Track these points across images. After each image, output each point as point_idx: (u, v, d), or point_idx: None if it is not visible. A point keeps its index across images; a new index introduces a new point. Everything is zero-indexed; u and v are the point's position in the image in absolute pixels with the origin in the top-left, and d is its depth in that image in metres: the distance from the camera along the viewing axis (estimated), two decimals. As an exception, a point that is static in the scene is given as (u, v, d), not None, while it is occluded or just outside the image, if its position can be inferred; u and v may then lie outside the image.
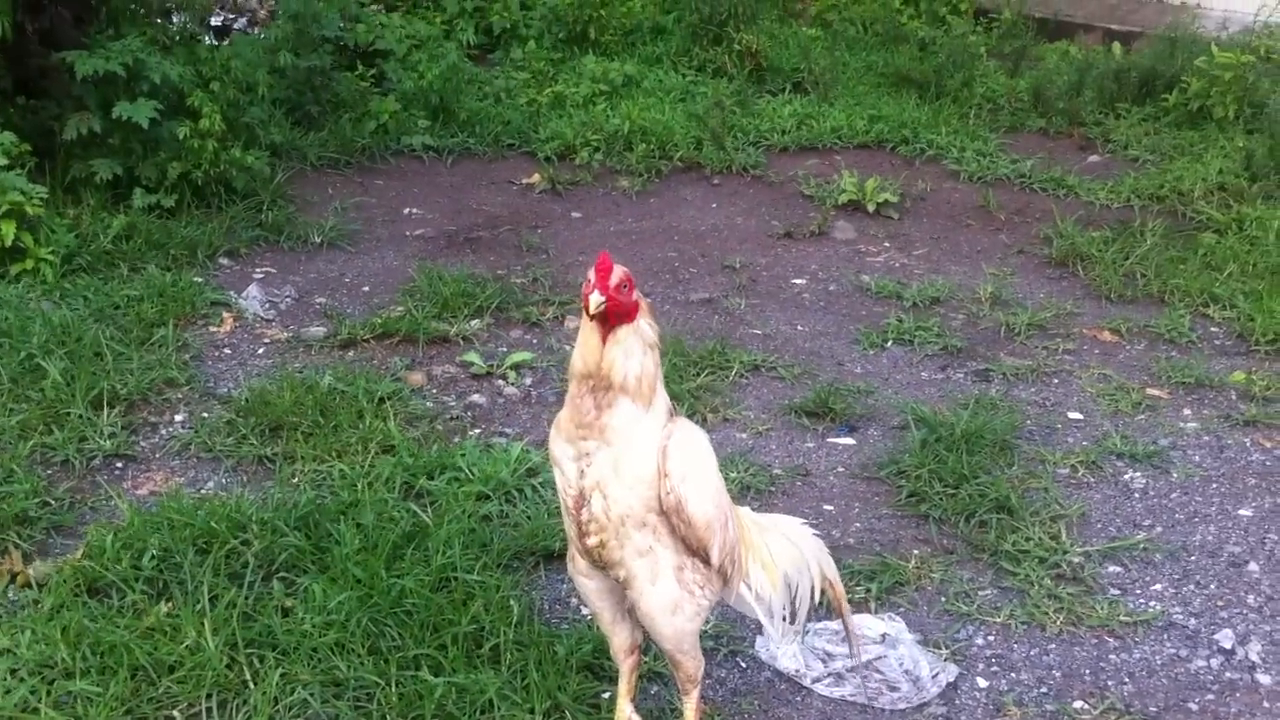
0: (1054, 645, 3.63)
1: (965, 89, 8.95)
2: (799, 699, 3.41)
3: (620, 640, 2.98)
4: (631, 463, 2.66)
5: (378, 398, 4.79)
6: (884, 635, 3.55)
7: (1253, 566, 4.03)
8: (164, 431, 4.61)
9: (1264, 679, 3.52)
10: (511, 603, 3.54)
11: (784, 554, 3.02)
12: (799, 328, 5.79)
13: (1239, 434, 4.86)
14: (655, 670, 3.38)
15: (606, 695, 3.27)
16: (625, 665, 3.01)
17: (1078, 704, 3.41)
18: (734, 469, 4.39)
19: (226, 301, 5.67)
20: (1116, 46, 9.77)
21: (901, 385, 5.24)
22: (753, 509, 3.17)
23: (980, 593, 3.86)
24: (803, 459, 4.63)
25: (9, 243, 5.48)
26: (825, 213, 7.09)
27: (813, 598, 3.07)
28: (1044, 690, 3.46)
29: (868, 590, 3.82)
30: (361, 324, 5.49)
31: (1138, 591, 3.90)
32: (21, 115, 6.34)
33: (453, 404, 4.94)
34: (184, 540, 3.73)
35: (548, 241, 6.70)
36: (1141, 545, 4.11)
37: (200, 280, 5.80)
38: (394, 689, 3.22)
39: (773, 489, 4.40)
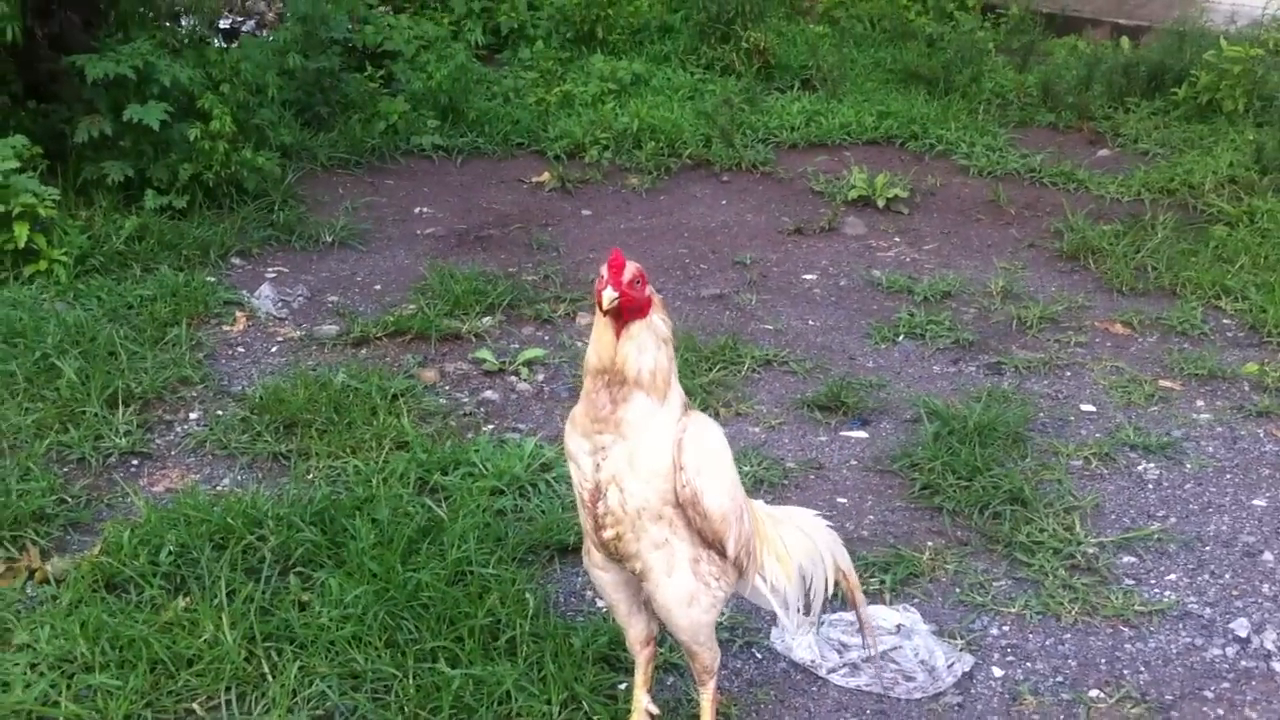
0: (1069, 635, 3.64)
1: (974, 84, 8.94)
2: (815, 689, 3.42)
3: (636, 632, 2.99)
4: (647, 456, 2.67)
5: (391, 394, 4.81)
6: (899, 626, 3.56)
7: (1267, 556, 4.03)
8: (179, 429, 4.63)
9: (1279, 667, 3.52)
10: (527, 596, 3.55)
11: (798, 546, 3.03)
12: (810, 322, 5.80)
13: (1252, 425, 4.85)
14: (671, 661, 3.39)
15: (623, 686, 3.28)
16: (641, 657, 3.02)
17: (1093, 693, 3.41)
18: (747, 463, 4.39)
19: (239, 301, 5.69)
20: (1125, 41, 9.77)
21: (913, 379, 5.24)
22: (766, 502, 3.17)
23: (995, 584, 3.86)
24: (815, 452, 4.63)
25: (22, 244, 5.51)
26: (835, 208, 7.10)
27: (827, 589, 3.07)
28: (1059, 679, 3.46)
29: (882, 582, 3.83)
30: (374, 322, 5.51)
31: (1152, 581, 3.90)
32: (33, 119, 6.38)
33: (465, 400, 4.96)
34: (200, 536, 3.75)
35: (558, 239, 6.71)
36: (1156, 536, 4.11)
37: (213, 280, 5.82)
38: (411, 681, 3.24)
39: (786, 482, 4.40)
